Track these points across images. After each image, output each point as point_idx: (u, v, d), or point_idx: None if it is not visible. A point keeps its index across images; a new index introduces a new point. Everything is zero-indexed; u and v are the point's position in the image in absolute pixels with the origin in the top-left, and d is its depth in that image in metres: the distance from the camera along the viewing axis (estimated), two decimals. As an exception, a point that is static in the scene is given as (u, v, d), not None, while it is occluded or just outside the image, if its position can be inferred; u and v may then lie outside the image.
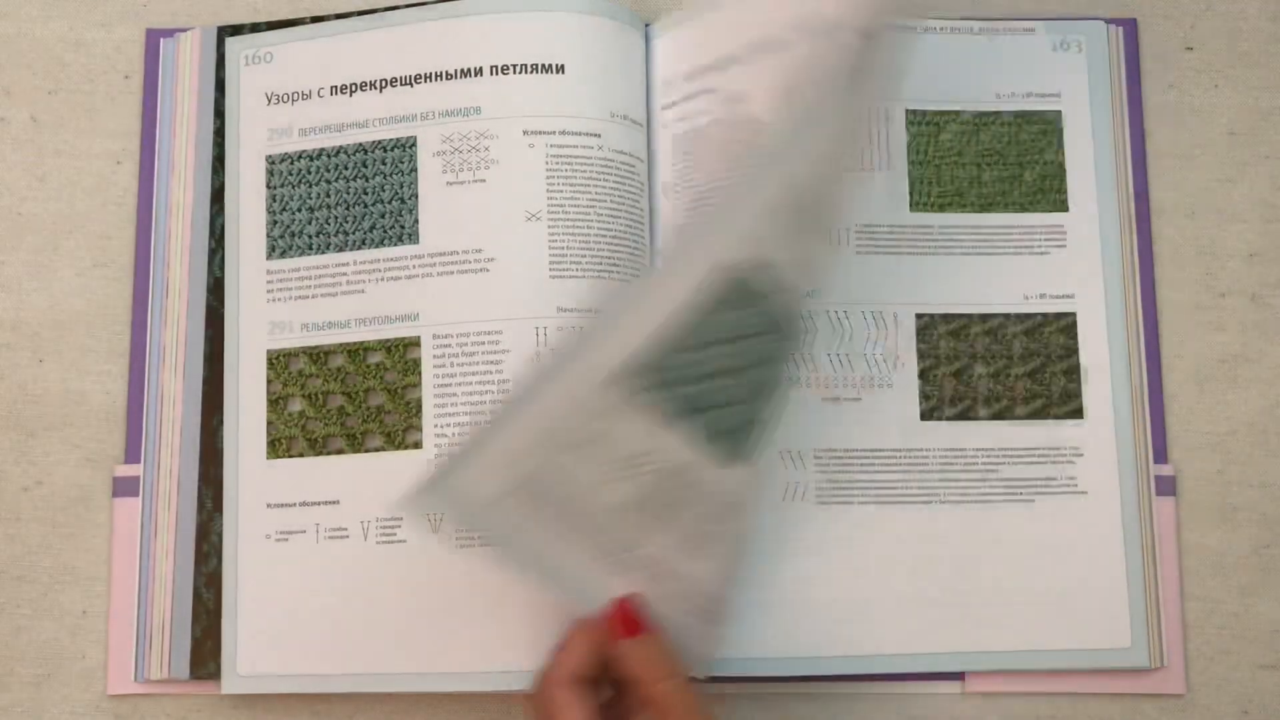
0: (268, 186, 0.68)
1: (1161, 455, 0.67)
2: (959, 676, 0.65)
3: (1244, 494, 0.67)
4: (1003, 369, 0.67)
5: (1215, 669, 0.66)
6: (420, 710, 0.66)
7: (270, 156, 0.68)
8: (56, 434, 0.68)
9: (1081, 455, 0.66)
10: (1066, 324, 0.67)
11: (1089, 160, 0.69)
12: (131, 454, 0.67)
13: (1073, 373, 0.67)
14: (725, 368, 0.56)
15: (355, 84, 0.67)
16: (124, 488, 0.67)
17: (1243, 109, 0.70)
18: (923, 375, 0.67)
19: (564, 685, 0.55)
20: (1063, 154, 0.69)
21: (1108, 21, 0.70)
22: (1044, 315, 0.67)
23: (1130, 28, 0.71)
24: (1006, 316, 0.67)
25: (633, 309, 0.55)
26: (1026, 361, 0.67)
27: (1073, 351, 0.67)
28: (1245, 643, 0.66)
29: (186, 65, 0.70)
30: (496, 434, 0.55)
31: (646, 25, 0.69)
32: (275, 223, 0.67)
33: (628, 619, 0.55)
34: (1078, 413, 0.67)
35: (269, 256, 0.67)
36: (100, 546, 0.67)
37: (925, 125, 0.69)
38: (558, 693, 0.55)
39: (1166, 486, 0.67)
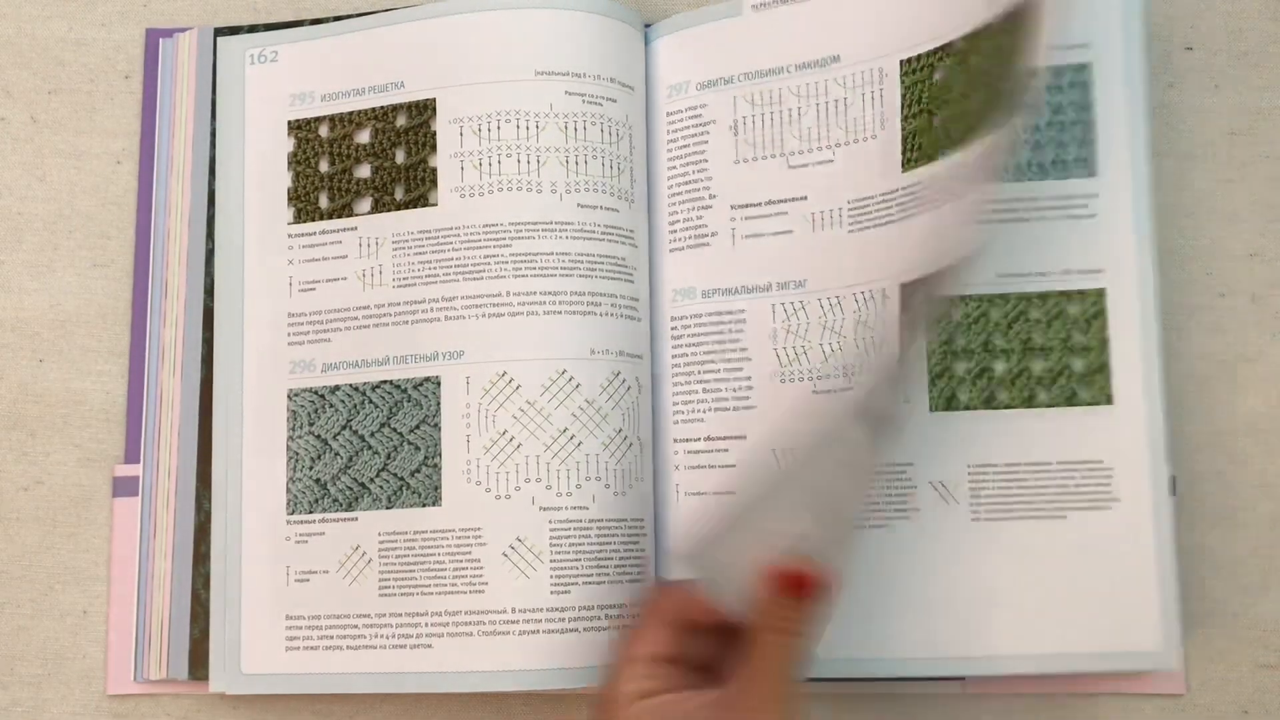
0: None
1: (1161, 455, 0.67)
2: (959, 676, 0.65)
3: (1244, 494, 0.67)
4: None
5: (1215, 669, 0.66)
6: (420, 710, 0.66)
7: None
8: (56, 434, 0.68)
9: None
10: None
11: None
12: (131, 454, 0.67)
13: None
14: None
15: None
16: (124, 488, 0.67)
17: (1243, 109, 0.70)
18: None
19: (633, 659, 0.54)
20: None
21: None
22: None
23: (1130, 27, 0.70)
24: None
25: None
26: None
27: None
28: (1245, 643, 0.66)
29: (185, 66, 0.70)
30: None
31: (647, 26, 0.69)
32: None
33: (806, 580, 0.53)
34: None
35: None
36: (100, 546, 0.67)
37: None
38: (625, 665, 0.54)
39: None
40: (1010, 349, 0.64)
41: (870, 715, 0.66)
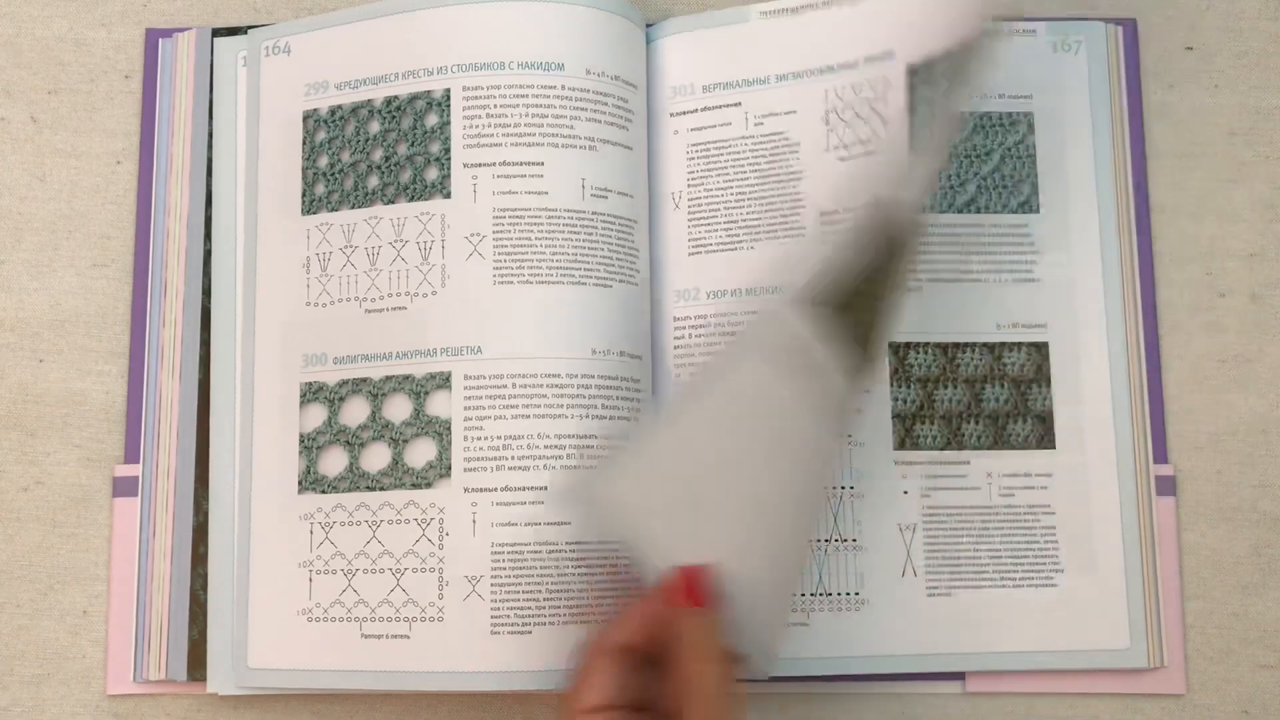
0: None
1: (1161, 455, 0.67)
2: (959, 676, 0.65)
3: (1244, 494, 0.67)
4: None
5: (1215, 669, 0.66)
6: (420, 710, 0.66)
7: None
8: (56, 434, 0.68)
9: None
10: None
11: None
12: (131, 454, 0.67)
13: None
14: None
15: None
16: (124, 488, 0.67)
17: (1243, 109, 0.70)
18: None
19: (602, 652, 0.53)
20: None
21: (1107, 21, 0.70)
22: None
23: (1130, 28, 0.71)
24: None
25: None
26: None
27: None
28: (1245, 643, 0.66)
29: (184, 66, 0.70)
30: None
31: (648, 26, 0.69)
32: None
33: (691, 588, 0.52)
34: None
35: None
36: (100, 546, 0.67)
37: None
38: (594, 659, 0.54)
39: (1166, 486, 0.67)
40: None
41: (870, 714, 0.66)
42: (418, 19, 0.67)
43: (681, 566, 0.53)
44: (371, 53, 0.67)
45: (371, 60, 0.67)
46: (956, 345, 0.67)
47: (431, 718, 0.66)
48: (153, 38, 0.71)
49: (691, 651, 0.51)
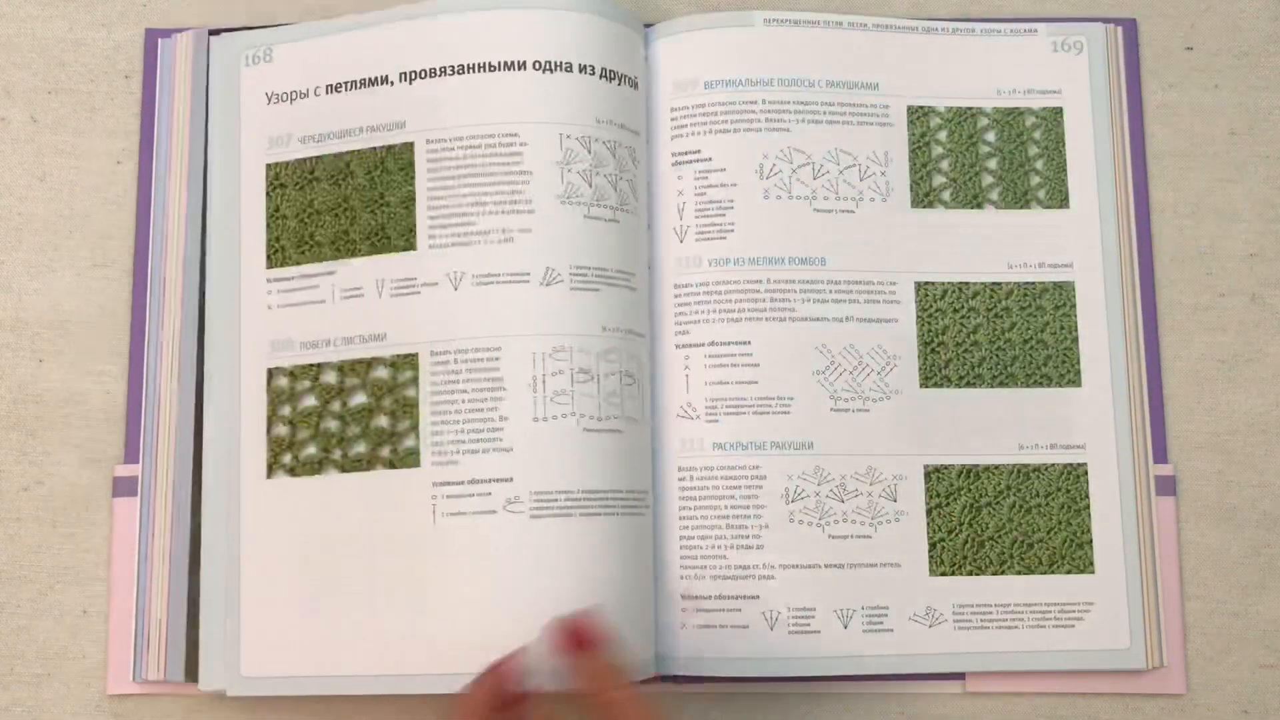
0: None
1: (1161, 455, 0.67)
2: (959, 676, 0.65)
3: (1244, 494, 0.67)
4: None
5: (1215, 669, 0.66)
6: (420, 711, 0.66)
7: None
8: (56, 434, 0.68)
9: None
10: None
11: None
12: (131, 454, 0.67)
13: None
14: None
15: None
16: (124, 488, 0.67)
17: (1243, 109, 0.70)
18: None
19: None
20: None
21: (1107, 21, 0.70)
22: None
23: (1130, 28, 0.71)
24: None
25: None
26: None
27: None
28: (1245, 643, 0.66)
29: (183, 66, 0.70)
30: None
31: (647, 27, 0.69)
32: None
33: (579, 636, 0.57)
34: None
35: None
36: (100, 546, 0.67)
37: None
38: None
39: (1166, 486, 0.67)
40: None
41: (871, 714, 0.66)
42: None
43: (560, 620, 0.58)
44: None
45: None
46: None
47: (432, 717, 0.66)
48: (152, 38, 0.71)
49: (599, 686, 0.56)
